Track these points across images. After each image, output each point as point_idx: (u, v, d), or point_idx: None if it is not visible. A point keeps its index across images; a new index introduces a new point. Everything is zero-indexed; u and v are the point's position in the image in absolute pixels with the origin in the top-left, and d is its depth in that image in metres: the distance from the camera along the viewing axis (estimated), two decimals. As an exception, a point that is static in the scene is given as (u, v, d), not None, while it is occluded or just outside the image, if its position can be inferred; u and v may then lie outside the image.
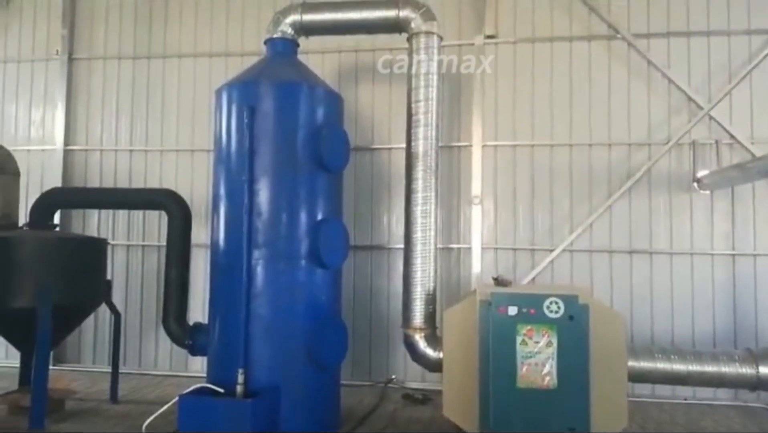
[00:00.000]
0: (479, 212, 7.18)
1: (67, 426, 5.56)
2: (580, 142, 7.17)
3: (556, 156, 7.21)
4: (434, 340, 5.70)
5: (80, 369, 7.75)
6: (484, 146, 7.27)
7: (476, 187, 7.20)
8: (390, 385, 7.06)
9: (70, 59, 8.34)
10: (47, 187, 7.39)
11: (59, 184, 7.96)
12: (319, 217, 5.37)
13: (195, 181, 7.91)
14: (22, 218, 6.49)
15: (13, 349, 7.09)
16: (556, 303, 4.66)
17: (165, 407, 4.99)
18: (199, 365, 7.24)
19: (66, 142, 8.23)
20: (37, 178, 8.12)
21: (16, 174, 6.52)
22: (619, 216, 7.03)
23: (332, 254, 5.37)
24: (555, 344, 4.62)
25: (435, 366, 5.61)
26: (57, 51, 8.36)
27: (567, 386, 4.59)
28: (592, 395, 4.60)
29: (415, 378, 7.13)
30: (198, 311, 7.13)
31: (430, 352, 5.64)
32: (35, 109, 8.46)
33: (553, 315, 4.65)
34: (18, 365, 6.43)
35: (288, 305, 5.18)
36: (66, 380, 6.33)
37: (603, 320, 4.78)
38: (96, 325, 7.86)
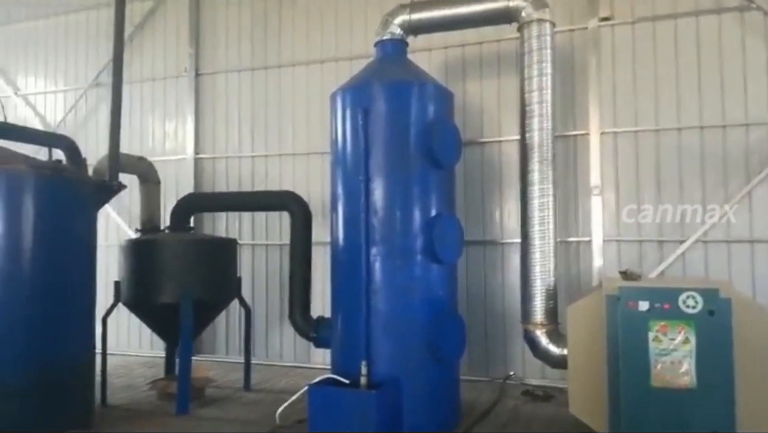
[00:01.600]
0: (599, 203, 6.86)
1: (209, 411, 6.06)
2: (712, 124, 6.61)
3: (685, 140, 6.71)
4: (556, 336, 5.54)
5: (214, 360, 8.40)
6: (602, 134, 6.93)
7: (595, 177, 6.89)
8: (508, 381, 6.95)
9: (197, 75, 9.06)
10: (181, 193, 8.07)
11: (191, 191, 8.65)
12: (433, 213, 5.40)
13: (311, 183, 8.26)
14: (162, 223, 7.17)
15: (157, 340, 7.86)
16: (693, 297, 4.34)
17: (295, 396, 5.28)
18: (321, 356, 7.57)
19: (196, 152, 8.95)
20: (172, 186, 8.87)
21: (158, 183, 7.21)
22: (760, 203, 6.40)
23: (447, 249, 5.38)
24: (693, 341, 4.31)
25: (558, 363, 5.45)
26: (185, 68, 9.12)
27: (708, 386, 4.26)
28: (738, 396, 4.23)
29: (534, 375, 6.97)
30: (317, 305, 7.44)
31: (552, 348, 5.48)
32: (168, 122, 9.29)
33: (690, 310, 4.34)
34: (163, 355, 7.12)
35: (406, 300, 5.26)
36: (205, 369, 6.88)
37: (748, 315, 4.39)
38: (227, 319, 8.47)
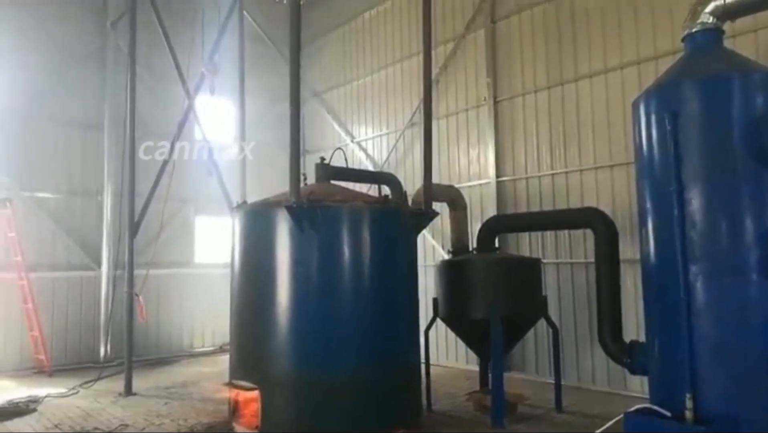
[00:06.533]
0: None
1: (522, 428, 6.23)
2: None
3: None
4: None
5: (524, 377, 8.54)
6: None
7: None
8: None
9: (495, 102, 9.56)
10: (485, 215, 8.58)
11: (494, 213, 9.08)
12: (772, 222, 4.56)
13: (616, 196, 7.84)
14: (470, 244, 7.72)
15: (471, 353, 8.42)
16: None
17: (610, 422, 5.02)
18: (638, 384, 7.02)
19: (497, 174, 9.40)
20: (477, 209, 9.49)
21: (465, 208, 7.84)
22: None
23: (794, 265, 4.47)
24: None
25: None
26: (484, 98, 9.72)
27: None
28: None
29: None
30: (630, 327, 6.93)
31: None
32: (471, 149, 10.00)
33: None
34: (477, 369, 7.60)
35: (739, 324, 4.53)
36: (517, 387, 7.09)
37: None
38: (536, 337, 8.55)
